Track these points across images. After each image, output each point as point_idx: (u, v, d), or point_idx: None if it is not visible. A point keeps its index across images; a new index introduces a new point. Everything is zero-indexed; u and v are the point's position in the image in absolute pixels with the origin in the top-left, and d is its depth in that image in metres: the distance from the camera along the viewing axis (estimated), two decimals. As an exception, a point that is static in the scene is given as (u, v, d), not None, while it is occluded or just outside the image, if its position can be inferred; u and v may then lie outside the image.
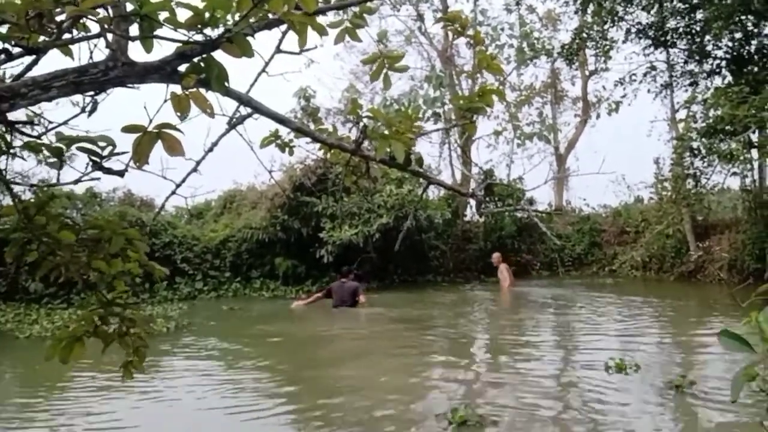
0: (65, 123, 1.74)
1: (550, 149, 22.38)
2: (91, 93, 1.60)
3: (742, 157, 12.87)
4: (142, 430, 4.73)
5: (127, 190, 15.54)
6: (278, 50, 2.12)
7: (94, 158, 1.37)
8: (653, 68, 15.83)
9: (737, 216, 14.83)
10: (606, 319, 9.58)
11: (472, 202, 16.87)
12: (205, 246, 13.93)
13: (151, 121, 1.35)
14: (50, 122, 1.81)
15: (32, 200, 1.80)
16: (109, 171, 1.41)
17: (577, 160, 22.36)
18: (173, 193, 2.22)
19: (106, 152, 1.37)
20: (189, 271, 13.42)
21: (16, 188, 1.79)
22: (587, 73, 21.56)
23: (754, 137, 12.55)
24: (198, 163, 2.13)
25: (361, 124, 2.27)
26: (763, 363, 1.73)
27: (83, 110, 1.66)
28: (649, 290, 13.79)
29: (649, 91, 16.01)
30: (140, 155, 1.33)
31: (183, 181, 2.13)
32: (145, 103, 1.33)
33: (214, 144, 2.14)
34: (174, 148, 1.33)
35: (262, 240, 13.62)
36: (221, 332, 9.30)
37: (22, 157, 1.72)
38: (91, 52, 1.61)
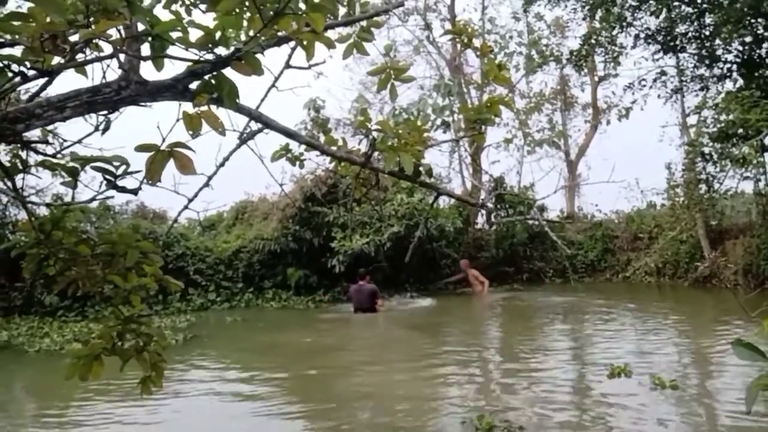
0: (79, 142, 1.77)
1: (561, 156, 22.31)
2: (105, 112, 1.64)
3: (755, 161, 12.76)
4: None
5: (140, 203, 15.69)
6: (287, 65, 2.14)
7: (108, 177, 1.39)
8: (663, 73, 15.77)
9: (751, 220, 14.67)
10: (619, 326, 9.50)
11: (483, 211, 16.88)
12: (218, 257, 14.00)
13: (164, 140, 1.37)
14: (64, 140, 1.85)
15: (48, 216, 1.83)
16: (123, 189, 1.43)
17: (588, 168, 22.26)
18: (185, 207, 2.24)
19: (119, 171, 1.39)
20: (202, 282, 13.49)
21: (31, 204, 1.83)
22: (596, 79, 21.49)
23: (767, 141, 12.44)
24: (209, 178, 2.16)
25: (371, 136, 2.29)
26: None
27: (96, 129, 1.69)
28: (664, 296, 13.67)
29: (659, 96, 15.96)
30: (153, 173, 1.35)
31: (195, 196, 2.16)
32: (158, 122, 1.36)
33: (226, 159, 2.16)
34: (186, 166, 1.36)
35: (273, 250, 13.67)
36: (231, 343, 9.34)
37: (37, 175, 1.75)
38: (104, 72, 1.64)
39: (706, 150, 13.41)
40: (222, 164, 2.13)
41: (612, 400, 5.17)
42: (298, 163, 2.74)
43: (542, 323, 10.29)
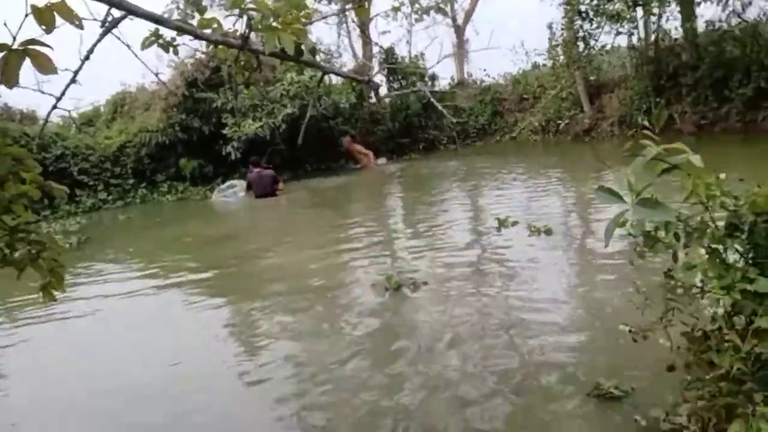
0: None
1: (448, 22, 22.11)
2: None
3: (628, 16, 13.35)
4: (74, 323, 4.73)
5: (4, 104, 14.23)
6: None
7: (-42, 83, 1.28)
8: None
9: (626, 74, 15.60)
10: (507, 184, 10.15)
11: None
12: (102, 155, 13.22)
13: (14, 38, 1.26)
14: None
15: None
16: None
17: (477, 33, 22.32)
18: (54, 107, 2.11)
19: (-30, 75, 1.28)
20: (89, 183, 12.80)
21: None
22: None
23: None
24: (75, 74, 2.02)
25: (245, 17, 2.20)
26: (631, 211, 1.98)
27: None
28: (548, 152, 14.61)
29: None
30: (9, 77, 1.26)
31: (62, 94, 2.03)
32: (3, 20, 1.23)
33: (90, 52, 2.02)
34: (44, 65, 1.27)
35: (162, 142, 13.06)
36: (129, 241, 9.14)
37: None
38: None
39: (583, 8, 13.79)
40: (87, 57, 1.99)
41: (500, 251, 5.72)
42: (171, 49, 2.59)
43: (438, 189, 10.78)
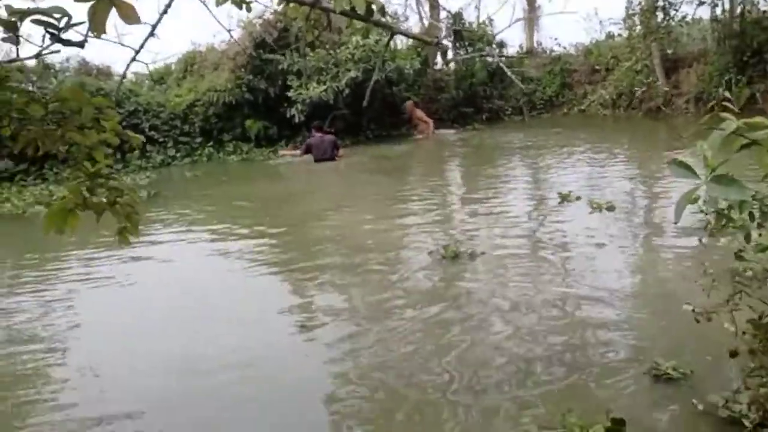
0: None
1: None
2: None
3: (713, -16, 12.57)
4: (138, 286, 5.00)
5: (82, 59, 14.79)
6: None
7: (51, 30, 1.35)
8: None
9: (706, 48, 14.75)
10: (573, 158, 9.89)
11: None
12: (172, 112, 13.61)
13: (102, -13, 1.32)
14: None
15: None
16: (69, 43, 1.39)
17: (549, 0, 21.53)
18: (133, 59, 2.20)
19: (62, 24, 1.35)
20: (159, 139, 13.24)
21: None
22: None
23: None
24: (154, 27, 2.09)
25: (318, -25, 2.21)
26: (705, 187, 1.90)
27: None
28: (618, 127, 14.08)
29: None
30: (98, 24, 1.32)
31: (142, 46, 2.10)
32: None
33: (168, 6, 2.08)
34: (129, 15, 1.32)
35: (229, 102, 13.32)
36: (196, 198, 9.45)
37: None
38: None
39: (665, -25, 13.07)
40: (165, 11, 2.05)
41: (560, 225, 5.61)
42: (245, 6, 2.63)
43: (500, 161, 10.62)
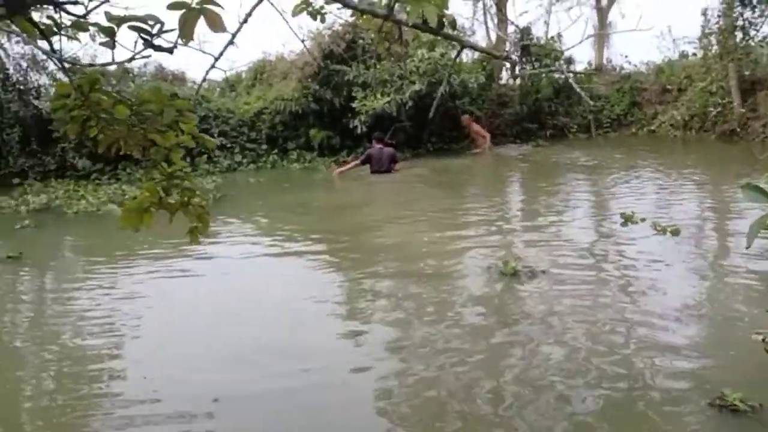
0: (107, 1, 1.80)
1: (592, 2, 20.99)
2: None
3: (799, 4, 11.97)
4: (206, 278, 5.19)
5: (158, 65, 15.49)
6: None
7: (144, 36, 1.45)
8: None
9: (788, 70, 14.03)
10: (640, 180, 9.59)
11: (508, 64, 16.33)
12: (240, 119, 14.06)
13: (192, -3, 1.41)
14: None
15: (85, 77, 1.91)
16: (159, 48, 1.49)
17: (622, 17, 21.00)
18: (213, 66, 2.30)
19: (155, 30, 1.45)
20: (227, 145, 13.68)
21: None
22: None
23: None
24: (233, 35, 2.19)
25: (392, -12, 2.26)
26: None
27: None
28: (689, 150, 13.57)
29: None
30: (187, 32, 1.41)
31: (221, 54, 2.21)
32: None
33: (248, 15, 2.18)
34: (215, 23, 1.40)
35: (295, 111, 13.64)
36: (259, 203, 9.70)
37: (77, 38, 1.81)
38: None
39: (747, -7, 12.54)
40: (245, 20, 2.15)
41: (622, 247, 5.46)
42: (319, 17, 2.72)
43: (563, 178, 10.42)
